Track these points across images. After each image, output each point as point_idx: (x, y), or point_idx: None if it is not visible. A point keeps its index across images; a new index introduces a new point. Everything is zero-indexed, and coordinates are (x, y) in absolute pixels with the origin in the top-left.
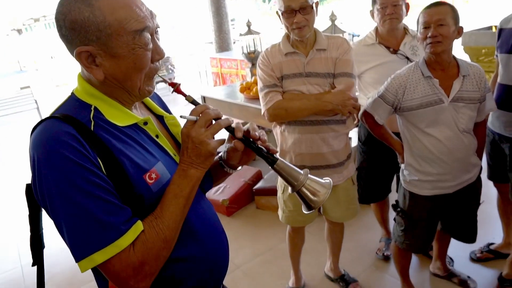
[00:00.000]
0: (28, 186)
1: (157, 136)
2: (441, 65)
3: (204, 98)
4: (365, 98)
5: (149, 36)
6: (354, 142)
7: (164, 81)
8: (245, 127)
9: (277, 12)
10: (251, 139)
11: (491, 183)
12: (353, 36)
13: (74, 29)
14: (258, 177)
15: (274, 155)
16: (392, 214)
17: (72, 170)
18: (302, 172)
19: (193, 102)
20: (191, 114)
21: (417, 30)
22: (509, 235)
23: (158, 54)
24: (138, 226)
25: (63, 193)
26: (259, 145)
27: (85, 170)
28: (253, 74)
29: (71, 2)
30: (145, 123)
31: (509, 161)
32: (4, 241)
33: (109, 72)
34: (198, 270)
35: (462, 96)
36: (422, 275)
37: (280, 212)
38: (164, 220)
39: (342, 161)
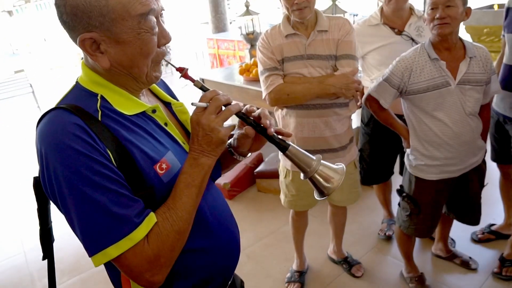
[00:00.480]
0: (35, 179)
1: (165, 124)
2: (447, 47)
3: (203, 81)
4: (368, 80)
5: (155, 20)
6: (356, 124)
7: (172, 65)
8: (257, 113)
9: None
10: (262, 125)
11: (492, 164)
12: (354, 16)
13: (75, 15)
14: (259, 160)
15: (286, 140)
16: (394, 195)
17: (81, 162)
18: (314, 158)
19: (201, 88)
20: (200, 100)
21: (424, 11)
22: (510, 216)
23: (164, 38)
24: (152, 218)
25: (73, 187)
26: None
27: (95, 162)
28: (252, 55)
29: None
30: (154, 111)
31: None
32: (5, 227)
33: (114, 59)
34: (210, 261)
35: (468, 78)
36: (424, 256)
37: (282, 197)
38: (178, 211)
39: (345, 144)
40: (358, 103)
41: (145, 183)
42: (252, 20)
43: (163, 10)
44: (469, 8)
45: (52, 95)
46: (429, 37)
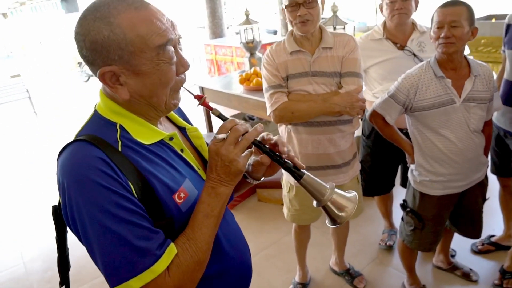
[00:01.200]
0: (54, 208)
1: (182, 150)
2: (453, 65)
3: (202, 89)
4: (370, 94)
5: (173, 49)
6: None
7: (190, 93)
8: (273, 140)
9: (282, 9)
10: (278, 153)
11: (491, 176)
12: (354, 28)
13: (95, 50)
14: None
15: (301, 169)
16: (395, 206)
17: (103, 196)
18: (328, 186)
19: (219, 116)
20: (219, 131)
21: (431, 28)
22: (510, 228)
23: (183, 66)
24: (172, 249)
25: (95, 220)
26: (285, 160)
27: (116, 195)
28: (251, 64)
29: (89, 22)
30: (171, 138)
31: None
32: (4, 238)
33: (134, 90)
34: (223, 285)
35: (473, 96)
36: (426, 268)
37: (285, 211)
38: (197, 242)
39: (348, 160)
40: (359, 116)
41: (165, 213)
42: (252, 28)
43: (181, 38)
44: (476, 28)
45: (48, 100)
46: (435, 54)
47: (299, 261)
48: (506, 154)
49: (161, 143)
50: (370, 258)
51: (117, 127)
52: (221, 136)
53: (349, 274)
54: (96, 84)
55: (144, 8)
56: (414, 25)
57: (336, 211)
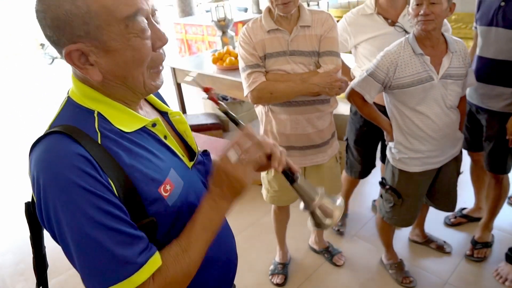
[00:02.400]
0: (27, 205)
1: (165, 137)
2: (431, 42)
3: (174, 70)
4: (359, 70)
5: (145, 21)
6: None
7: (199, 85)
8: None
9: None
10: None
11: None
12: (328, 4)
13: (57, 27)
14: None
15: (295, 173)
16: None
17: (83, 199)
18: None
19: (226, 112)
20: (232, 146)
21: (409, 5)
22: (480, 200)
23: (159, 39)
24: (156, 260)
25: (74, 225)
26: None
27: (97, 198)
28: (224, 43)
29: None
30: (154, 125)
31: (486, 131)
32: None
33: (106, 70)
34: (214, 273)
35: (450, 73)
36: (402, 243)
37: (264, 192)
38: (191, 255)
39: (327, 140)
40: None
41: (147, 212)
42: (223, 6)
43: (156, 10)
44: (454, 3)
45: (10, 87)
46: (413, 31)
47: (279, 242)
48: (477, 129)
49: (143, 130)
50: (349, 235)
51: (95, 115)
52: (234, 157)
53: (328, 252)
54: (61, 66)
55: None
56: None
57: (322, 217)
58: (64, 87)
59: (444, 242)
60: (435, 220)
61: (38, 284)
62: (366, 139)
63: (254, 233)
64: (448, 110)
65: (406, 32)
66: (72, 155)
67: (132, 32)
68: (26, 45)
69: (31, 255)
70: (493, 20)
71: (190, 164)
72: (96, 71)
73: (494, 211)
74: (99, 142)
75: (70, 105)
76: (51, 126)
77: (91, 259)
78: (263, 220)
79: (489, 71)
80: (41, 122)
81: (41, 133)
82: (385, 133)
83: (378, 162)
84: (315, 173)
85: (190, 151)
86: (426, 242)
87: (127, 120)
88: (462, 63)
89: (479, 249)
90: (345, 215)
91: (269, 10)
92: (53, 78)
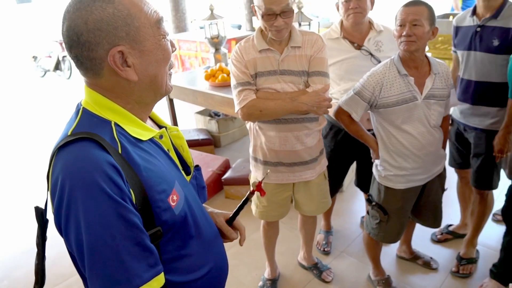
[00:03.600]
0: (40, 211)
1: (168, 150)
2: (415, 63)
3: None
4: (328, 94)
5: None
6: None
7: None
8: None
9: (253, 7)
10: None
11: (448, 168)
12: (319, 24)
13: (100, 29)
14: (227, 166)
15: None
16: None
17: (108, 206)
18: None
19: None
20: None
21: (395, 26)
22: (466, 217)
23: (172, 45)
24: (160, 279)
25: (94, 229)
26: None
27: (121, 207)
28: (217, 59)
29: (88, 4)
30: (161, 137)
31: (473, 148)
32: None
33: (140, 71)
34: (206, 278)
35: (433, 93)
36: (389, 259)
37: (253, 208)
38: None
39: (315, 157)
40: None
41: (157, 221)
42: (216, 24)
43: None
44: (436, 28)
45: (2, 100)
46: (398, 52)
47: (268, 258)
48: (465, 148)
49: (152, 141)
50: (337, 252)
51: (112, 124)
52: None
53: (317, 268)
54: (54, 79)
55: None
56: (371, 24)
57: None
58: (56, 100)
59: (431, 258)
60: (422, 237)
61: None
62: (336, 161)
63: (243, 249)
64: (432, 129)
65: (372, 55)
66: (104, 163)
67: (162, 34)
68: (18, 57)
69: (16, 271)
70: (471, 45)
71: (188, 178)
72: (133, 72)
73: (478, 227)
74: (120, 151)
75: (86, 115)
76: (72, 133)
77: (103, 265)
78: (253, 237)
79: (474, 92)
80: (34, 135)
81: (54, 140)
82: (371, 151)
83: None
84: (304, 189)
85: (184, 166)
86: (413, 258)
87: (139, 130)
88: (444, 84)
89: (464, 265)
90: (329, 232)
91: (261, 30)
92: (46, 91)
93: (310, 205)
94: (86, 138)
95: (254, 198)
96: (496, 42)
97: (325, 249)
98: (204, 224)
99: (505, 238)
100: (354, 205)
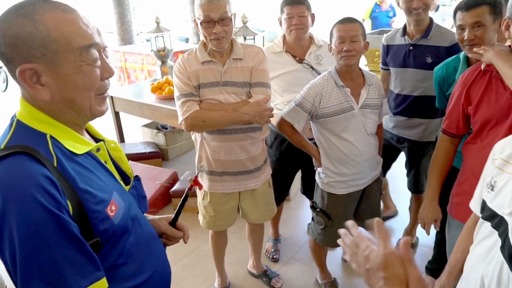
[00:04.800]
0: None
1: (105, 162)
2: (351, 76)
3: (112, 98)
4: (272, 105)
5: (97, 53)
6: None
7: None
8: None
9: (195, 20)
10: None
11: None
12: (263, 38)
13: (15, 45)
14: (174, 179)
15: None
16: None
17: (44, 217)
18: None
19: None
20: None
21: (331, 43)
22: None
23: (107, 71)
24: (101, 285)
25: (29, 240)
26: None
27: (57, 218)
28: (163, 72)
29: (11, 17)
30: (98, 150)
31: (408, 158)
32: None
33: (56, 91)
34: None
35: (368, 103)
36: (335, 263)
37: (200, 218)
38: None
39: (260, 166)
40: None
41: (95, 231)
42: (163, 36)
43: (106, 47)
44: (368, 42)
45: None
46: (335, 66)
47: (218, 267)
48: (392, 156)
49: (89, 154)
50: (285, 258)
51: (47, 138)
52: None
53: (266, 275)
54: (17, 93)
55: (71, 12)
56: (311, 39)
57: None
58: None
59: None
60: None
61: None
62: (282, 170)
63: (193, 261)
64: (368, 136)
65: (313, 68)
66: (39, 175)
67: (85, 60)
68: None
69: None
70: (405, 62)
71: (127, 188)
72: (46, 91)
73: (415, 221)
74: (55, 165)
75: (20, 127)
76: (6, 147)
77: (40, 276)
78: (202, 248)
79: (407, 105)
80: None
81: None
82: (313, 160)
83: None
84: (249, 197)
85: (123, 177)
86: None
87: (75, 143)
88: (377, 94)
89: None
90: (277, 240)
91: (203, 43)
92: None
93: (256, 213)
94: (20, 152)
95: (201, 208)
96: (429, 59)
97: (274, 256)
98: (144, 232)
99: (437, 236)
100: (301, 212)
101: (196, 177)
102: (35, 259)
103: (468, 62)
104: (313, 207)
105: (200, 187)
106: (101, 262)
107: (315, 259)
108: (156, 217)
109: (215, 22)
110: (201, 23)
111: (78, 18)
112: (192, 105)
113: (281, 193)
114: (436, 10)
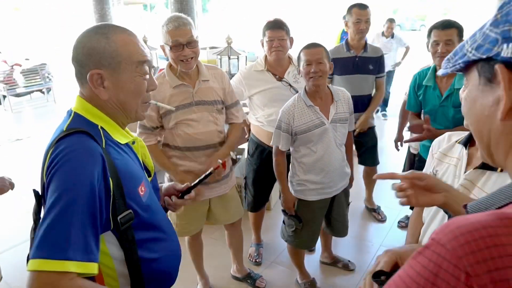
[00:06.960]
0: (36, 191)
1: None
2: (319, 94)
3: None
4: (254, 118)
5: (148, 69)
6: None
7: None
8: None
9: (161, 46)
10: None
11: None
12: (246, 58)
13: (90, 55)
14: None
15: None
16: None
17: (85, 191)
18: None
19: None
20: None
21: (299, 66)
22: (371, 192)
23: (152, 85)
24: (91, 267)
25: (68, 197)
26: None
27: (94, 199)
28: None
29: (91, 34)
30: (133, 142)
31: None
32: None
33: (112, 94)
34: (168, 264)
35: (337, 117)
36: (314, 264)
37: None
38: None
39: (227, 173)
40: (246, 136)
41: (128, 205)
42: (150, 54)
43: (153, 66)
44: (332, 63)
45: None
46: (304, 87)
47: (198, 270)
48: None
49: (127, 145)
50: (267, 261)
51: (99, 128)
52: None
53: (250, 278)
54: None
55: (134, 35)
56: (290, 59)
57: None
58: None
59: (349, 261)
60: (340, 243)
61: None
62: (262, 178)
63: None
64: (338, 148)
65: (291, 86)
66: (96, 153)
67: (139, 72)
68: None
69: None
70: (354, 70)
71: (149, 179)
72: (106, 92)
73: (370, 188)
74: (103, 147)
75: (78, 117)
76: (67, 129)
77: (56, 230)
78: (184, 256)
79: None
80: None
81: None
82: (281, 197)
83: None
84: (220, 201)
85: (146, 170)
86: (334, 262)
87: (119, 135)
88: (346, 108)
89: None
90: (260, 245)
91: (170, 66)
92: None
93: (226, 215)
94: (81, 131)
95: (173, 218)
96: (371, 66)
97: (257, 260)
98: (163, 217)
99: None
100: (281, 221)
101: (225, 162)
102: (61, 213)
103: (435, 71)
104: (284, 211)
105: (224, 168)
106: (135, 234)
107: (294, 261)
108: (164, 185)
109: (184, 46)
110: (170, 48)
111: (138, 40)
112: (147, 138)
113: (261, 200)
114: (392, 37)
